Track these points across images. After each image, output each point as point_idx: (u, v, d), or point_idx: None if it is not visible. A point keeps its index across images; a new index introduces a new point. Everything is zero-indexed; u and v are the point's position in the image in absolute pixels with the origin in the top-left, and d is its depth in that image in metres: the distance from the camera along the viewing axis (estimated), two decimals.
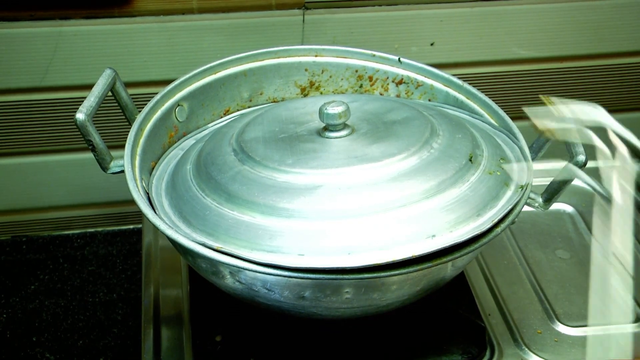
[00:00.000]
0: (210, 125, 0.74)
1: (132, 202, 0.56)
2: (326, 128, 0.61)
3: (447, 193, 0.57)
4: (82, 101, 0.60)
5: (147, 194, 0.62)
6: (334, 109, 0.60)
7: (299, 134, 0.62)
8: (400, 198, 0.55)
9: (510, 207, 0.58)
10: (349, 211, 0.54)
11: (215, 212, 0.56)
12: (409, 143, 0.60)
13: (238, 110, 0.77)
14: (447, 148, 0.60)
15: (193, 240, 0.53)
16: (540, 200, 0.63)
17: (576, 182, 0.61)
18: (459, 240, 0.53)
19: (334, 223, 0.54)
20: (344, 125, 0.61)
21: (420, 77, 0.75)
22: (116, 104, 0.67)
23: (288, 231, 0.54)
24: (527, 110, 0.58)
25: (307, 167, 0.57)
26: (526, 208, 0.60)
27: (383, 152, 0.58)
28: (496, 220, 0.56)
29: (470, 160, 0.60)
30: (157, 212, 0.59)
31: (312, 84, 0.79)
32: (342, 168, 0.57)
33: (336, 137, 0.61)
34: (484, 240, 0.55)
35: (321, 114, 0.60)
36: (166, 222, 0.56)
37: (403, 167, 0.57)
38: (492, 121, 0.70)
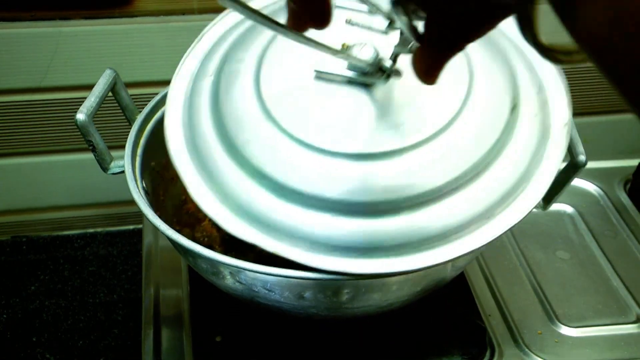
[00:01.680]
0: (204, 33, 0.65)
1: (133, 202, 0.56)
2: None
3: (497, 162, 0.52)
4: (83, 102, 0.60)
5: (147, 194, 0.62)
6: (366, 54, 0.51)
7: (325, 81, 0.54)
8: (454, 180, 0.51)
9: (564, 154, 0.55)
10: (401, 202, 0.50)
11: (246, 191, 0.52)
12: (450, 98, 0.53)
13: None
14: (490, 95, 0.54)
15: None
16: (540, 201, 0.63)
17: (577, 182, 0.61)
18: (469, 249, 0.50)
19: (386, 220, 0.50)
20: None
21: None
22: (116, 105, 0.67)
23: (344, 228, 0.50)
24: None
25: (355, 148, 0.50)
26: None
27: (423, 119, 0.52)
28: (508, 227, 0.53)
29: (513, 110, 0.54)
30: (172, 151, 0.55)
31: None
32: (391, 145, 0.50)
33: (368, 87, 0.53)
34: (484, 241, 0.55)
35: (358, 60, 0.51)
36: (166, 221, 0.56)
37: (451, 138, 0.51)
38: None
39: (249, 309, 0.62)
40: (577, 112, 0.68)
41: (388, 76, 0.52)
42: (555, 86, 0.58)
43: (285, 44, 0.56)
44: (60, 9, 0.81)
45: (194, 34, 0.85)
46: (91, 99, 0.61)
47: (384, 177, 0.50)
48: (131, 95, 0.68)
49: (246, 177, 0.52)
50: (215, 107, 0.56)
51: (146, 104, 0.67)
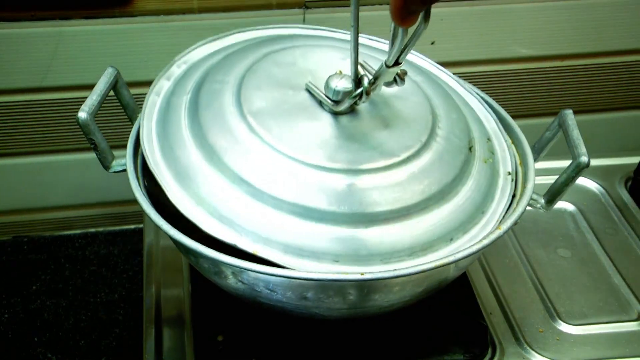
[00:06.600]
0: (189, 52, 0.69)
1: (133, 201, 0.56)
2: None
3: (459, 192, 0.58)
4: (83, 101, 0.60)
5: (149, 193, 0.61)
6: (341, 85, 0.57)
7: (302, 104, 0.59)
8: (422, 201, 0.56)
9: (509, 201, 0.60)
10: (376, 216, 0.54)
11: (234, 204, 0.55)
12: (418, 130, 0.59)
13: None
14: (450, 134, 0.60)
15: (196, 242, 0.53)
16: (542, 201, 0.63)
17: (578, 180, 0.61)
18: (479, 246, 0.54)
19: (361, 231, 0.54)
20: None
21: None
22: (118, 104, 0.67)
23: (320, 235, 0.54)
24: None
25: (334, 162, 0.55)
26: (528, 207, 0.60)
27: (398, 142, 0.57)
28: (503, 219, 0.57)
29: (470, 150, 0.61)
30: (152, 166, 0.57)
31: None
32: (368, 165, 0.55)
33: (342, 113, 0.59)
34: (487, 242, 0.55)
35: (327, 88, 0.58)
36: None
37: (421, 163, 0.57)
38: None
39: (250, 308, 0.62)
40: (578, 110, 0.68)
41: (354, 104, 0.58)
42: (499, 139, 0.66)
43: (263, 72, 0.62)
44: (61, 9, 0.81)
45: (194, 33, 0.85)
46: (93, 97, 0.60)
47: (361, 192, 0.54)
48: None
49: (225, 182, 0.55)
50: (194, 120, 0.59)
51: None
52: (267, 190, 0.54)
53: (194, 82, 0.63)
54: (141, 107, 0.67)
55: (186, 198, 0.56)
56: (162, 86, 0.65)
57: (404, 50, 0.52)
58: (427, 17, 0.49)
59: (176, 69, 0.67)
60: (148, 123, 0.61)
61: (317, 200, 0.54)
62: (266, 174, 0.55)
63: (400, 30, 0.50)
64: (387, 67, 0.53)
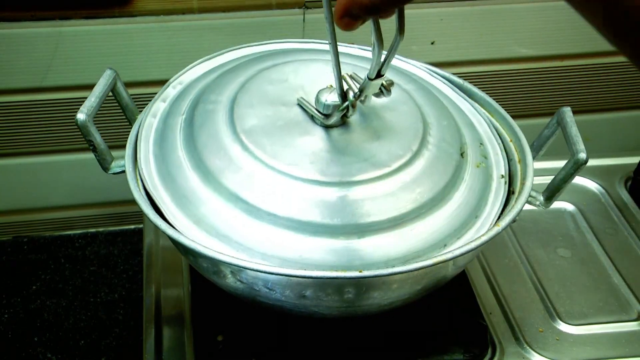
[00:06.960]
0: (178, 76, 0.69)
1: (133, 201, 0.56)
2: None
3: (452, 198, 0.58)
4: (83, 101, 0.60)
5: (148, 194, 0.61)
6: (331, 99, 0.58)
7: (294, 120, 0.60)
8: (415, 209, 0.56)
9: (503, 204, 0.59)
10: (370, 226, 0.54)
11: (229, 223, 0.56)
12: (408, 139, 0.59)
13: None
14: (441, 142, 0.61)
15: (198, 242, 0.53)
16: (541, 198, 0.64)
17: (577, 180, 0.61)
18: (470, 248, 0.53)
19: (355, 241, 0.54)
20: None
21: None
22: (117, 104, 0.67)
23: (315, 248, 0.54)
24: None
25: (326, 175, 0.56)
26: (527, 206, 0.60)
27: (389, 152, 0.58)
28: (497, 221, 0.57)
29: (462, 155, 0.61)
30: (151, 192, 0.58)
31: None
32: (360, 176, 0.56)
33: (333, 126, 0.59)
34: (485, 239, 0.55)
35: (318, 102, 0.58)
36: (170, 223, 0.56)
37: (412, 172, 0.57)
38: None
39: (250, 307, 0.62)
40: (577, 110, 0.68)
41: (344, 117, 0.58)
42: (492, 143, 0.66)
43: (255, 89, 0.62)
44: (61, 9, 0.81)
45: (194, 33, 0.86)
46: (91, 99, 0.61)
47: (353, 203, 0.55)
48: (131, 94, 0.68)
49: (221, 201, 0.56)
50: (189, 140, 0.60)
51: (146, 104, 0.67)
52: (262, 206, 0.55)
53: (189, 103, 0.64)
54: (140, 109, 0.67)
55: (184, 219, 0.56)
56: (159, 108, 0.66)
57: (384, 63, 0.52)
58: (401, 30, 0.49)
59: (172, 90, 0.67)
60: (145, 145, 0.62)
61: (311, 214, 0.54)
62: (261, 191, 0.55)
63: (377, 43, 0.50)
64: (370, 80, 0.54)
